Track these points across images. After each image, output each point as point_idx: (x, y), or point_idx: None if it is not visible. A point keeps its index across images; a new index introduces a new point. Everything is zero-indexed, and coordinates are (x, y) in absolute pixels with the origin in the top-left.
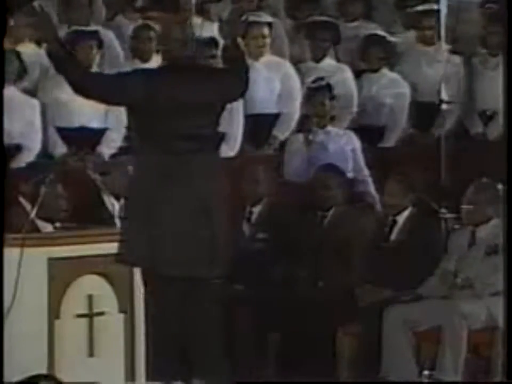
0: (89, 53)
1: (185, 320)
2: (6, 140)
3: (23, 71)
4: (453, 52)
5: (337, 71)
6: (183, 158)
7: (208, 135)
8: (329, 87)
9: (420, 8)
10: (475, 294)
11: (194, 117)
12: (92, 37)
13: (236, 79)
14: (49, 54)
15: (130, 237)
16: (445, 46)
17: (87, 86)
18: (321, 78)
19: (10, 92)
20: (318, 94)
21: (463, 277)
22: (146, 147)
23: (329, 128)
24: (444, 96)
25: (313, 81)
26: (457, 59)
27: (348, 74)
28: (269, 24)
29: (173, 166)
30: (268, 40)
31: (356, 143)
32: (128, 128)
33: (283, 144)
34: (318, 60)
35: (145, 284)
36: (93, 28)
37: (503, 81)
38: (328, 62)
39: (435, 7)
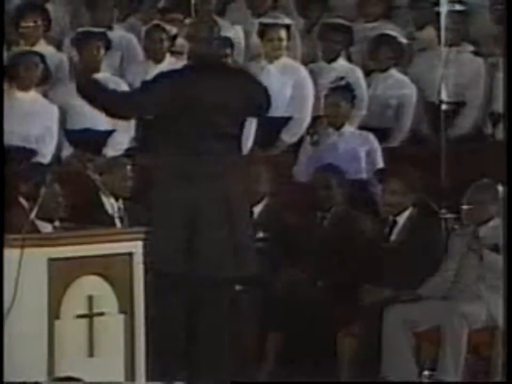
0: (96, 54)
1: (200, 320)
2: (23, 144)
3: (47, 75)
4: (475, 53)
5: (349, 72)
6: (207, 159)
7: (233, 136)
8: (349, 86)
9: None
10: (475, 294)
11: (220, 116)
12: (99, 38)
13: (258, 85)
14: (80, 91)
15: (156, 240)
16: (471, 48)
17: (120, 108)
18: (341, 78)
19: (31, 95)
20: (336, 93)
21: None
22: (171, 148)
23: (345, 128)
24: (444, 96)
25: (333, 81)
26: (480, 61)
27: (360, 75)
28: (287, 27)
29: (197, 167)
30: (284, 43)
31: (374, 144)
32: (148, 129)
33: (290, 147)
34: (330, 60)
35: (158, 285)
36: (100, 29)
37: (504, 81)
38: (341, 63)
39: (458, 7)
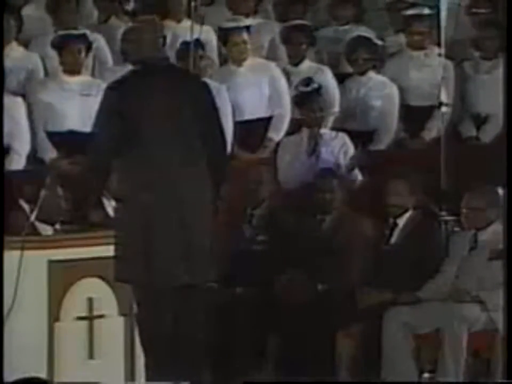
0: (78, 57)
1: (177, 326)
2: None
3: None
4: (445, 56)
5: (317, 72)
6: (165, 167)
7: (189, 140)
8: (321, 88)
9: (410, 12)
10: (475, 297)
11: (172, 120)
12: (80, 40)
13: (203, 86)
14: None
15: (122, 253)
16: (438, 50)
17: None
18: (311, 79)
19: None
20: (310, 96)
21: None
22: (131, 155)
23: (323, 131)
24: (444, 99)
25: (306, 84)
26: (449, 63)
27: (329, 75)
28: (247, 28)
29: (155, 175)
30: (249, 46)
31: (350, 146)
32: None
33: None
34: (296, 63)
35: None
36: (81, 31)
37: (504, 83)
38: (307, 64)
39: (426, 11)
